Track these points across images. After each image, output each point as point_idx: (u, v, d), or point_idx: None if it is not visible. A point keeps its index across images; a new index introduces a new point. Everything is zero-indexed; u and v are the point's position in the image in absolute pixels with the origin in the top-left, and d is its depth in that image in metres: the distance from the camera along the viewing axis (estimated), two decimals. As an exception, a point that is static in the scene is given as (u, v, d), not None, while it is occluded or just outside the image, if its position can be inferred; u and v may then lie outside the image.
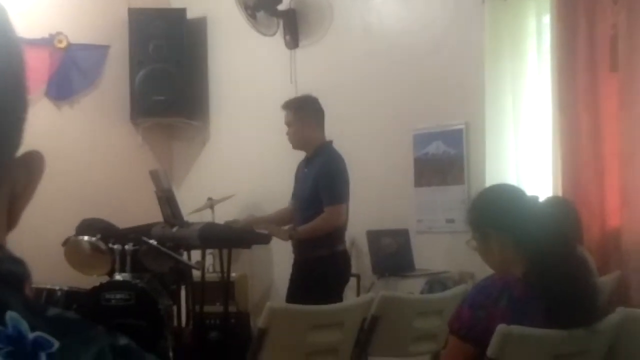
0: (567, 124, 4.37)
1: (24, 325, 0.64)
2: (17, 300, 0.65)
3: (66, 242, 5.39)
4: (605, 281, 3.75)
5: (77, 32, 6.38)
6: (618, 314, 2.50)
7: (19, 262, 0.70)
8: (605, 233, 4.27)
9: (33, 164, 0.74)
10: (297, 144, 4.67)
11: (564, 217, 3.09)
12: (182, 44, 6.54)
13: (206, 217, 5.65)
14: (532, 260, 2.29)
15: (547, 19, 4.55)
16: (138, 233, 5.13)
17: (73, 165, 6.23)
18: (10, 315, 0.64)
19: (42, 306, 0.67)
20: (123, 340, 0.70)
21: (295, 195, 4.76)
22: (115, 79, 6.57)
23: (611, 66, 4.24)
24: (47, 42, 6.24)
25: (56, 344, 0.64)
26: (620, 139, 4.20)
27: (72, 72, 6.43)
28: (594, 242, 4.18)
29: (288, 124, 4.64)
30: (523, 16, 4.68)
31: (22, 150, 0.74)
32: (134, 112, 6.58)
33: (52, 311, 0.68)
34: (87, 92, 6.53)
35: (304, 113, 4.61)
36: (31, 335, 0.63)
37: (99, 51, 6.55)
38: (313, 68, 5.91)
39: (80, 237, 5.35)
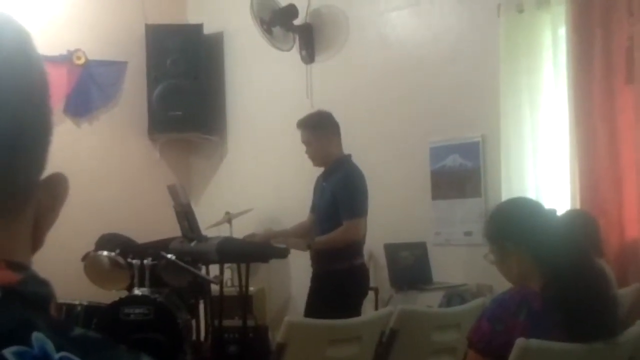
0: (584, 135, 4.36)
1: (50, 346, 0.65)
2: (43, 321, 0.67)
3: (85, 257, 5.41)
4: (625, 293, 3.73)
5: (95, 48, 6.43)
6: (638, 326, 2.48)
7: (44, 284, 0.71)
8: (624, 244, 4.25)
9: (57, 186, 0.76)
10: (319, 161, 4.68)
11: (582, 230, 3.09)
12: (199, 60, 6.58)
13: (224, 231, 5.66)
14: (550, 274, 2.29)
15: (562, 31, 4.55)
16: (156, 248, 5.15)
17: (92, 181, 6.27)
18: (36, 335, 0.65)
19: (67, 326, 0.69)
20: (145, 359, 0.71)
21: (313, 208, 4.77)
22: (132, 95, 6.61)
23: (627, 78, 4.23)
24: (65, 59, 6.29)
25: (80, 363, 0.65)
26: (637, 150, 4.19)
27: (90, 88, 6.48)
28: (612, 254, 4.16)
29: (306, 143, 4.65)
30: (539, 28, 4.68)
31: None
32: (151, 128, 6.62)
33: (77, 331, 0.69)
34: (106, 108, 6.58)
35: (322, 130, 4.61)
36: (57, 356, 0.65)
37: (117, 67, 6.60)
38: (329, 82, 5.93)
39: (100, 252, 5.38)
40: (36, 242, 0.75)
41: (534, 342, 2.16)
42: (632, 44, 4.20)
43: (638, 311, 3.81)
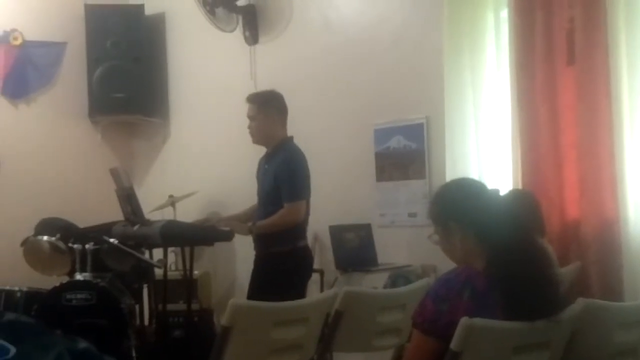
0: (526, 116, 4.41)
1: (-21, 332, 0.62)
2: (-28, 307, 0.64)
3: (25, 242, 5.31)
4: (566, 272, 3.79)
5: (33, 28, 6.29)
6: (578, 304, 2.52)
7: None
8: (565, 224, 4.32)
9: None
10: (258, 138, 4.65)
11: (524, 209, 3.12)
12: (141, 41, 6.49)
13: (168, 214, 5.61)
14: (493, 253, 2.30)
15: (504, 13, 4.59)
16: (99, 232, 5.07)
17: (31, 165, 6.15)
18: (-35, 322, 0.62)
19: (-2, 312, 0.66)
20: (82, 345, 0.69)
21: (257, 191, 4.74)
22: (72, 77, 6.49)
23: (568, 59, 4.29)
24: (1, 40, 6.16)
25: (12, 350, 0.63)
26: (577, 130, 4.25)
27: (28, 69, 6.34)
28: (553, 234, 4.23)
29: (251, 117, 4.62)
30: (481, 10, 4.71)
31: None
32: (92, 110, 6.52)
33: (8, 317, 0.66)
34: (44, 90, 6.44)
35: (269, 108, 4.59)
36: (-14, 342, 0.62)
37: (56, 48, 6.47)
38: (273, 64, 5.89)
39: (40, 237, 5.28)
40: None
41: (478, 321, 2.17)
42: (572, 25, 4.26)
43: (578, 289, 3.89)
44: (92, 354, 0.69)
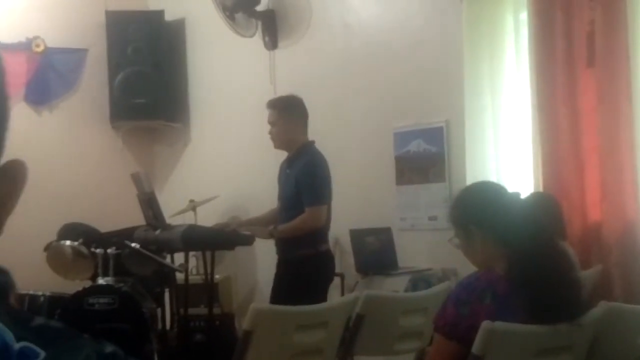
0: (546, 119, 4.39)
1: (10, 336, 0.63)
2: (2, 311, 0.65)
3: (48, 247, 5.35)
4: (588, 275, 3.78)
5: (55, 35, 6.33)
6: (601, 307, 2.51)
7: (3, 272, 0.69)
8: (586, 227, 4.30)
9: (16, 173, 0.74)
10: (279, 143, 4.67)
11: (545, 212, 3.11)
12: (161, 46, 6.52)
13: (189, 219, 5.63)
14: (514, 257, 2.30)
15: (524, 16, 4.57)
16: (120, 237, 5.10)
17: (53, 170, 6.19)
18: (-4, 326, 0.63)
19: (27, 316, 0.67)
20: (109, 348, 0.70)
21: (278, 195, 4.76)
22: (94, 83, 6.53)
23: (588, 61, 4.27)
24: (24, 47, 6.20)
25: (42, 354, 0.64)
26: (598, 133, 4.23)
27: (50, 76, 6.38)
28: (575, 237, 4.21)
29: (272, 123, 4.64)
30: (500, 13, 4.70)
31: (3, 158, 0.73)
32: (113, 116, 6.55)
33: (37, 321, 0.67)
34: (66, 96, 6.49)
35: (289, 113, 4.61)
36: (17, 346, 0.63)
37: (77, 55, 6.51)
38: (292, 69, 5.90)
39: (62, 242, 5.31)
40: (-5, 230, 0.73)
41: (499, 325, 2.18)
42: (592, 27, 4.24)
43: (600, 293, 3.87)
44: (119, 357, 0.70)
